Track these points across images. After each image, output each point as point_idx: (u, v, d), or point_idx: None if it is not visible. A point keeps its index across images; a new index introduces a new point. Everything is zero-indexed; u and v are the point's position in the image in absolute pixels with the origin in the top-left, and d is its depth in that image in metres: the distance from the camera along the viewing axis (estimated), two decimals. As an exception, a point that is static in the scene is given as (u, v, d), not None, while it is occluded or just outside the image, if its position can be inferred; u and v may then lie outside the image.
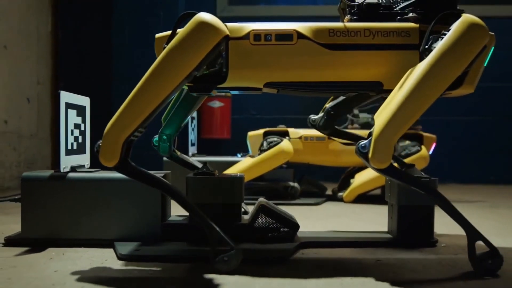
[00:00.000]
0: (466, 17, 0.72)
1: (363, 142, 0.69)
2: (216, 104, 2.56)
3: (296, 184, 1.65)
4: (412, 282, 0.68)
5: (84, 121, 0.98)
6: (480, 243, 0.71)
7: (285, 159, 1.56)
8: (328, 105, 0.98)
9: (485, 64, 0.76)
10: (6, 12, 1.91)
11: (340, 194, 1.68)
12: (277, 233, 0.87)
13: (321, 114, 0.99)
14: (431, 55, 0.70)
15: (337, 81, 0.78)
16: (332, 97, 0.99)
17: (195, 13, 0.73)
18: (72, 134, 0.92)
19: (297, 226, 0.88)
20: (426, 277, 0.71)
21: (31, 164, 2.09)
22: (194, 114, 1.82)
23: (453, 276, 0.71)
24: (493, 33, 0.74)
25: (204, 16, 0.72)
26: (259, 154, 1.58)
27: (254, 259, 0.77)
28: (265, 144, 1.61)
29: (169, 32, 0.77)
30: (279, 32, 0.76)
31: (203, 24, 0.71)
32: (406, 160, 1.54)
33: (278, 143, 1.58)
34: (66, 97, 0.90)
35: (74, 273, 0.70)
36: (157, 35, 0.80)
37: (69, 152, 0.91)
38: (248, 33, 0.76)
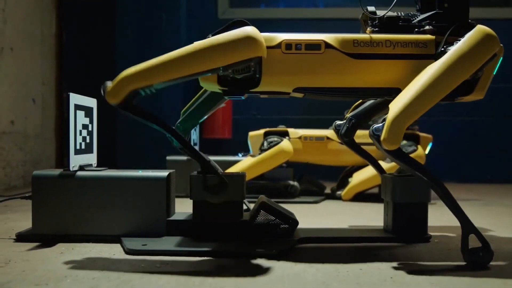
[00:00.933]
0: (480, 27, 0.79)
1: (377, 125, 0.76)
2: (218, 104, 2.58)
3: (295, 183, 1.68)
4: (405, 274, 0.71)
5: (91, 121, 1.01)
6: (473, 237, 0.74)
7: (285, 159, 1.60)
8: (349, 114, 1.02)
9: (494, 73, 0.82)
10: (12, 15, 1.95)
11: (338, 192, 1.71)
12: (277, 229, 0.91)
13: (344, 121, 1.03)
14: (446, 55, 0.77)
15: (360, 87, 0.85)
16: (353, 107, 1.03)
17: (246, 22, 0.80)
18: (80, 134, 0.96)
19: (296, 223, 0.92)
20: (419, 269, 0.74)
21: (36, 163, 2.13)
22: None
23: (444, 268, 0.75)
24: (502, 45, 0.80)
25: (251, 31, 0.78)
26: (259, 154, 1.61)
27: (255, 253, 0.81)
28: (265, 144, 1.64)
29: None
30: (308, 42, 0.82)
31: (249, 39, 0.78)
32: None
33: (278, 143, 1.61)
34: (75, 99, 0.93)
35: (84, 266, 0.73)
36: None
37: (77, 152, 0.95)
38: (280, 43, 0.82)
